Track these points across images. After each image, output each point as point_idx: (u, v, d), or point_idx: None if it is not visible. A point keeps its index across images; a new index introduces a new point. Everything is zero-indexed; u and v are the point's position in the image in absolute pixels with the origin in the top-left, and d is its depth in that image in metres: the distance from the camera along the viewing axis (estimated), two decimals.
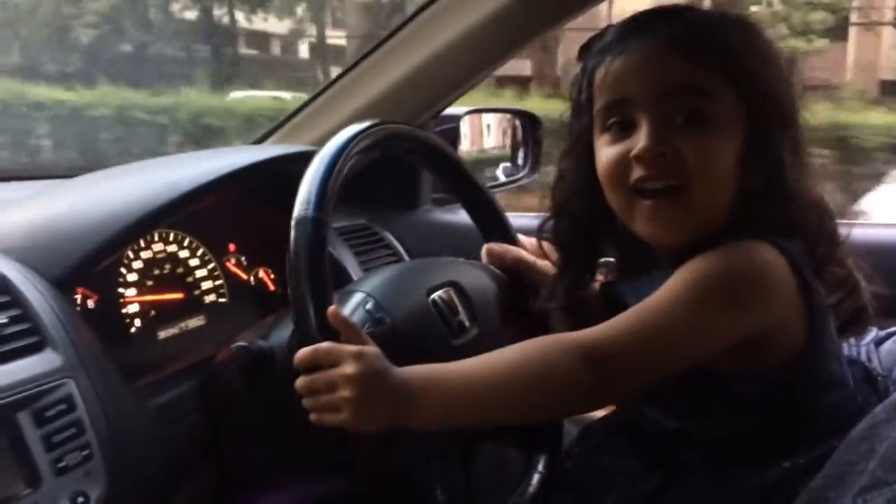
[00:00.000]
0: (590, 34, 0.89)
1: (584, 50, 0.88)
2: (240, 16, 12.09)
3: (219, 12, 11.89)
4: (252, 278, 1.22)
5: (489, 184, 1.34)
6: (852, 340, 0.95)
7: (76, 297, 0.95)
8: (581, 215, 0.90)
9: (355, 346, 0.74)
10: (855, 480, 0.67)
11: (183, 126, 7.22)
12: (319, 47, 12.72)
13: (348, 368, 0.73)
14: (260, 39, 13.05)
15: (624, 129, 0.82)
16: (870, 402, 0.82)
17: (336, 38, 12.68)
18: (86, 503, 0.77)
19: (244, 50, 12.68)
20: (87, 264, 0.92)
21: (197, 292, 1.13)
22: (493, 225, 1.08)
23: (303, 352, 0.75)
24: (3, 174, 1.45)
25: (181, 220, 1.07)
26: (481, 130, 1.66)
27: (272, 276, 1.23)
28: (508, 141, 1.68)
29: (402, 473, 0.84)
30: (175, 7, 11.67)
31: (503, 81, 7.73)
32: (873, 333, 0.99)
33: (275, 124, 1.47)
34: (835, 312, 0.84)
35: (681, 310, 0.76)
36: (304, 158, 0.85)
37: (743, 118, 0.80)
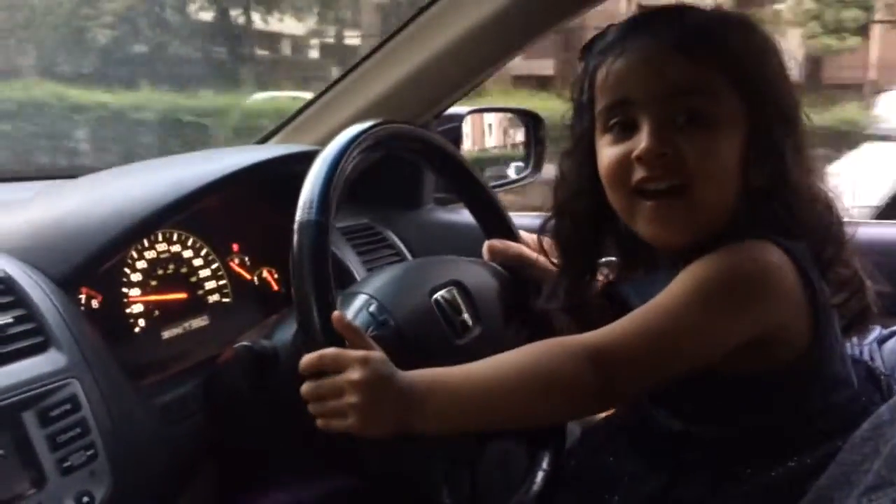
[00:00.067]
0: None
1: (585, 50, 0.88)
2: (255, 17, 12.12)
3: (235, 13, 11.90)
4: (255, 278, 1.22)
5: (491, 183, 1.34)
6: (855, 339, 0.95)
7: (80, 296, 0.96)
8: (583, 215, 0.90)
9: (360, 352, 0.74)
10: (860, 481, 0.67)
11: (230, 128, 7.02)
12: (336, 48, 12.71)
13: (354, 374, 0.73)
14: (276, 40, 13.07)
15: (625, 130, 0.82)
16: (873, 401, 0.82)
17: (353, 37, 12.68)
18: (91, 503, 0.77)
19: (259, 51, 12.70)
20: (91, 264, 0.92)
21: (201, 292, 1.13)
22: (495, 224, 1.08)
23: (308, 357, 0.75)
24: (7, 175, 1.45)
25: (185, 219, 1.07)
26: (483, 130, 1.66)
27: (275, 275, 1.24)
28: (510, 140, 1.68)
29: (407, 476, 0.84)
30: (193, 9, 11.69)
31: (522, 81, 7.67)
32: (876, 332, 0.99)
33: (277, 124, 1.47)
34: (839, 312, 0.84)
35: (686, 311, 0.76)
36: (307, 158, 0.85)
37: (744, 117, 0.80)
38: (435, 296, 0.91)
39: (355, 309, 0.86)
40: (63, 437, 0.77)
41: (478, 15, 1.25)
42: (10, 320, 0.80)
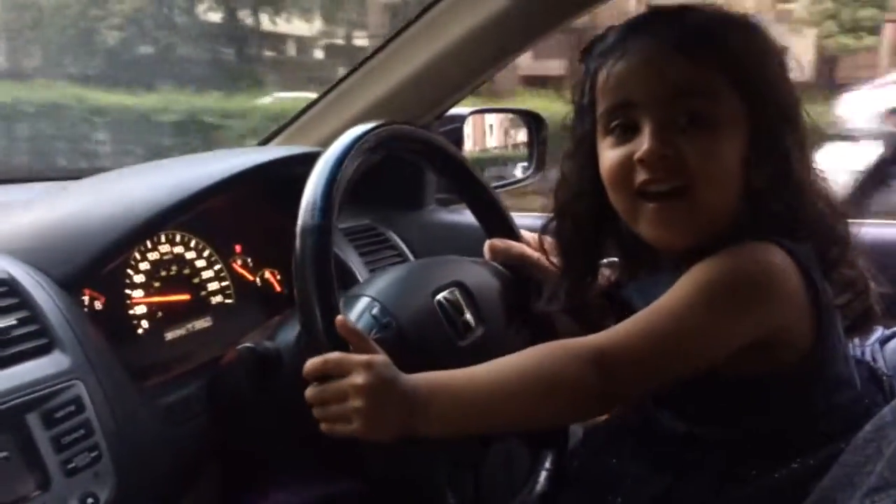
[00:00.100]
0: None
1: (586, 52, 0.88)
2: (264, 18, 12.14)
3: (243, 14, 11.91)
4: (258, 279, 1.22)
5: (493, 184, 1.34)
6: (856, 340, 0.95)
7: (84, 298, 0.96)
8: (584, 216, 0.90)
9: (364, 356, 0.75)
10: (863, 482, 0.67)
11: (256, 130, 6.91)
12: (346, 49, 12.72)
13: (358, 379, 0.73)
14: (285, 41, 13.11)
15: (627, 132, 0.82)
16: (876, 402, 0.82)
17: (362, 38, 12.70)
18: None
19: (279, 53, 12.73)
20: (94, 265, 0.92)
21: (203, 293, 1.13)
22: (497, 224, 1.08)
23: (312, 362, 0.75)
24: (11, 176, 1.46)
25: (187, 221, 1.08)
26: (484, 131, 1.66)
27: (278, 276, 1.24)
28: (511, 141, 1.68)
29: (410, 478, 0.84)
30: (203, 10, 11.69)
31: (532, 81, 7.62)
32: (878, 333, 0.99)
33: (280, 125, 1.48)
34: (842, 312, 0.84)
35: (689, 313, 0.76)
36: (309, 160, 0.85)
37: (745, 118, 0.80)
38: (437, 297, 0.91)
39: (358, 312, 0.86)
40: (67, 439, 0.77)
41: (479, 16, 1.25)
42: (14, 322, 0.81)
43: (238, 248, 1.20)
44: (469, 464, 0.89)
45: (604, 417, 0.97)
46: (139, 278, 1.05)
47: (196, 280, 1.13)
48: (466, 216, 1.14)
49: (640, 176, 0.81)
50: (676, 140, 0.79)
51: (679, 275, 0.79)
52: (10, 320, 0.80)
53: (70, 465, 0.76)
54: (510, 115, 1.68)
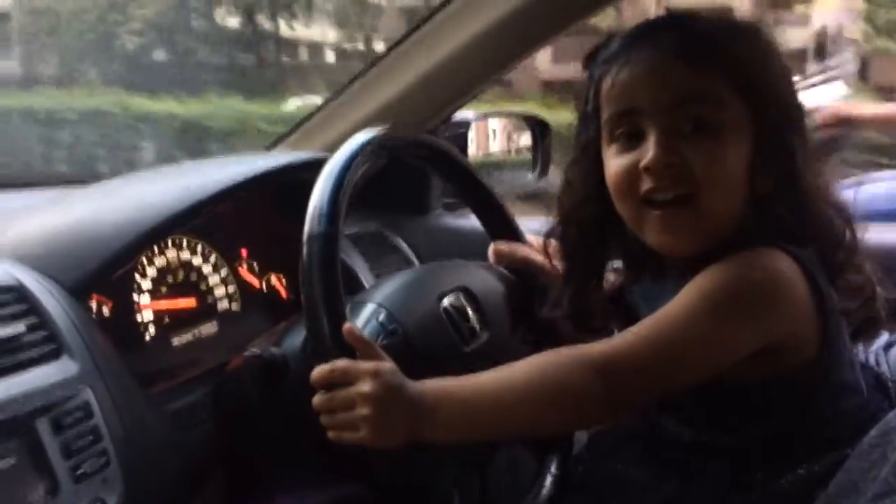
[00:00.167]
0: None
1: (590, 59, 0.88)
2: (282, 24, 12.20)
3: (261, 19, 11.94)
4: (264, 285, 1.23)
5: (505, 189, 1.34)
6: (861, 345, 0.95)
7: (92, 304, 0.96)
8: (589, 222, 0.90)
9: (371, 364, 0.75)
10: (868, 487, 0.67)
11: None
12: (366, 53, 12.76)
13: (365, 386, 0.73)
14: (304, 47, 13.17)
15: (632, 140, 0.82)
16: (882, 407, 0.82)
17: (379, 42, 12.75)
18: None
19: (285, 58, 12.77)
20: (102, 271, 0.92)
21: (210, 299, 1.14)
22: (501, 228, 1.08)
23: (319, 370, 0.76)
24: (20, 182, 1.46)
25: (194, 226, 1.08)
26: (487, 135, 1.66)
27: (284, 282, 1.24)
28: (513, 145, 1.68)
29: (417, 484, 0.85)
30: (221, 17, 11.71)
31: (551, 85, 7.58)
32: (883, 338, 0.99)
33: (286, 130, 1.48)
34: (847, 318, 0.84)
35: (695, 321, 0.76)
36: (315, 166, 0.86)
37: (749, 123, 0.80)
38: (443, 302, 0.91)
39: (365, 319, 0.86)
40: (76, 445, 0.77)
41: (485, 20, 1.25)
42: (23, 329, 0.81)
43: (244, 252, 1.20)
44: (476, 464, 0.89)
45: None
46: (146, 284, 1.05)
47: (203, 286, 1.13)
48: (473, 221, 1.14)
49: (646, 184, 0.81)
50: (681, 147, 0.79)
51: (684, 282, 0.79)
52: (19, 327, 0.80)
53: (79, 471, 0.77)
54: (513, 120, 1.68)
